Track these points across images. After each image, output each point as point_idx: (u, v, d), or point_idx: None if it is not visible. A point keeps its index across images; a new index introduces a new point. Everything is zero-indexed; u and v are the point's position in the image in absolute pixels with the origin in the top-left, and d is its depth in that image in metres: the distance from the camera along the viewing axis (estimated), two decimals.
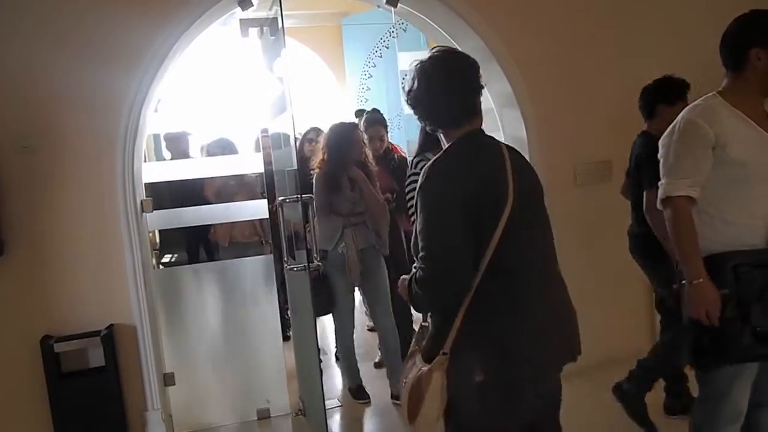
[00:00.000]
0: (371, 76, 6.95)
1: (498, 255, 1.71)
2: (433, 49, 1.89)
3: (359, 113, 4.82)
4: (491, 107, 3.92)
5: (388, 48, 6.66)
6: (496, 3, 3.66)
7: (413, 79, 1.83)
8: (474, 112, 1.85)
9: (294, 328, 3.78)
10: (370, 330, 4.96)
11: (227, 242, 4.38)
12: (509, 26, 3.69)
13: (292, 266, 3.17)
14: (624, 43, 3.86)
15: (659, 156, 2.21)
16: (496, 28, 3.65)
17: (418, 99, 1.84)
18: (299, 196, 3.08)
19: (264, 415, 3.67)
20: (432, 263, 1.70)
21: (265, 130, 3.97)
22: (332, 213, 3.60)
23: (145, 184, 3.46)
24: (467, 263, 1.71)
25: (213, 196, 4.24)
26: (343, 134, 3.64)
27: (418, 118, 1.89)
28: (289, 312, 4.24)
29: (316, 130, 4.53)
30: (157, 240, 4.69)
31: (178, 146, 4.35)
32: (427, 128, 1.90)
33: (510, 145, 1.94)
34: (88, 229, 3.19)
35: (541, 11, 3.76)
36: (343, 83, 7.30)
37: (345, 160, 3.60)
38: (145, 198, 3.41)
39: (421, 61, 1.84)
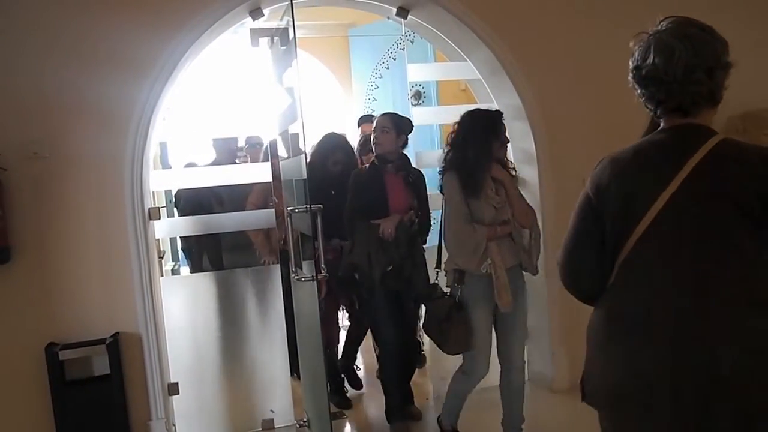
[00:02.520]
0: (378, 87, 6.95)
1: (615, 283, 1.52)
2: (666, 18, 1.51)
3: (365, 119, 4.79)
4: None
5: (395, 59, 6.67)
6: (506, 15, 3.67)
7: (645, 51, 1.49)
8: (705, 100, 1.47)
9: (299, 338, 3.76)
10: None
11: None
12: (519, 38, 3.69)
13: (299, 276, 3.15)
14: None
15: None
16: (505, 40, 3.66)
17: (651, 76, 1.48)
18: (308, 206, 3.06)
19: (268, 426, 3.63)
20: (559, 266, 1.63)
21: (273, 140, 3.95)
22: (474, 221, 2.88)
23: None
24: (589, 275, 1.57)
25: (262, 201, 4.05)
26: (488, 124, 2.93)
27: (644, 100, 1.55)
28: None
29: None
30: (162, 248, 4.70)
31: (227, 148, 4.55)
32: (656, 114, 1.56)
33: (748, 144, 1.47)
34: (95, 237, 3.19)
35: (551, 23, 3.75)
36: (349, 93, 7.31)
37: (489, 156, 2.92)
38: (152, 206, 3.40)
39: (657, 31, 1.48)
